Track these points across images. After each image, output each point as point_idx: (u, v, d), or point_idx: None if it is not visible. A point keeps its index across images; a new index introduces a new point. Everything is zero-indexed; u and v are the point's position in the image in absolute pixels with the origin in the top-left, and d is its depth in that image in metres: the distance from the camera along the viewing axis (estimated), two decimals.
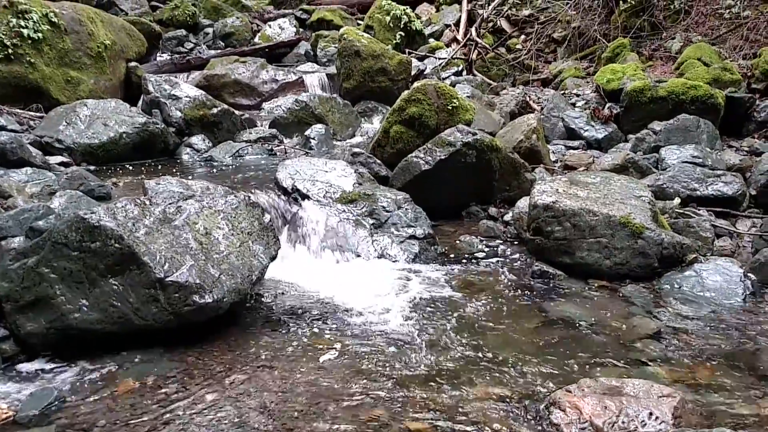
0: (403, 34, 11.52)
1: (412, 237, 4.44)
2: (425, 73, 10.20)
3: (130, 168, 6.03)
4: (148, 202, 3.26)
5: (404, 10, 11.75)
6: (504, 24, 11.94)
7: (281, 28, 12.88)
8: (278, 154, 6.80)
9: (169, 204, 3.32)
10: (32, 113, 6.96)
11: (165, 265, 2.99)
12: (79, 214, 3.01)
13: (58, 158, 5.72)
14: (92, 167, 5.82)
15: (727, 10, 9.19)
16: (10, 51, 6.99)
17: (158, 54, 11.12)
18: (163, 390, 2.68)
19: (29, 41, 7.13)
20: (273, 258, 3.58)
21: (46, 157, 5.55)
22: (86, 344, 2.96)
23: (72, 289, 2.95)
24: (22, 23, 7.08)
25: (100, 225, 2.96)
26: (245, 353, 3.01)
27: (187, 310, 2.99)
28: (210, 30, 13.16)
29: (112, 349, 2.97)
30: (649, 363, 2.94)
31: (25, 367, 2.88)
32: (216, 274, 3.13)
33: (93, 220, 2.97)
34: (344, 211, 4.57)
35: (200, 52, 11.74)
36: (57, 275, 2.95)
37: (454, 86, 8.01)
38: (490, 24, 11.90)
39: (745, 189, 5.05)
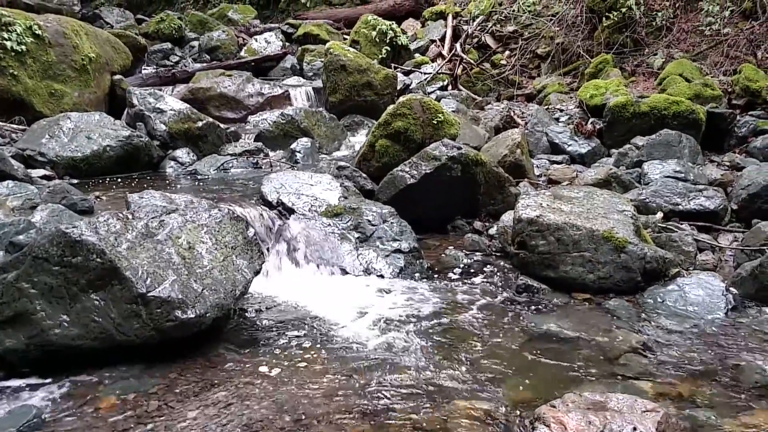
0: (389, 48, 11.58)
1: (398, 251, 4.43)
2: (411, 87, 10.26)
3: (114, 181, 5.99)
4: (130, 216, 3.24)
5: (390, 25, 11.82)
6: (488, 40, 12.03)
7: (267, 42, 12.90)
8: (263, 167, 6.79)
9: (152, 218, 3.30)
10: (14, 126, 6.90)
11: (147, 280, 2.96)
12: (60, 228, 2.98)
13: (41, 171, 5.67)
14: (75, 181, 5.77)
15: (708, 27, 9.34)
16: None
17: (143, 67, 11.11)
18: (145, 407, 2.64)
19: (12, 54, 7.08)
20: (257, 272, 3.56)
21: (28, 171, 5.50)
22: (66, 360, 2.91)
23: (52, 305, 2.91)
24: (6, 35, 7.03)
25: (81, 239, 2.93)
26: (228, 369, 2.98)
27: (169, 326, 2.96)
28: (196, 43, 13.17)
29: (93, 365, 2.92)
30: (633, 377, 2.95)
31: (3, 384, 2.82)
32: (199, 289, 3.11)
33: (74, 235, 2.94)
34: (329, 224, 4.56)
35: (186, 66, 11.72)
36: (37, 290, 2.90)
37: (439, 101, 8.06)
38: (475, 40, 12.00)
39: (726, 203, 5.11)
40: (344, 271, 4.28)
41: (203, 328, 3.08)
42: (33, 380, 2.84)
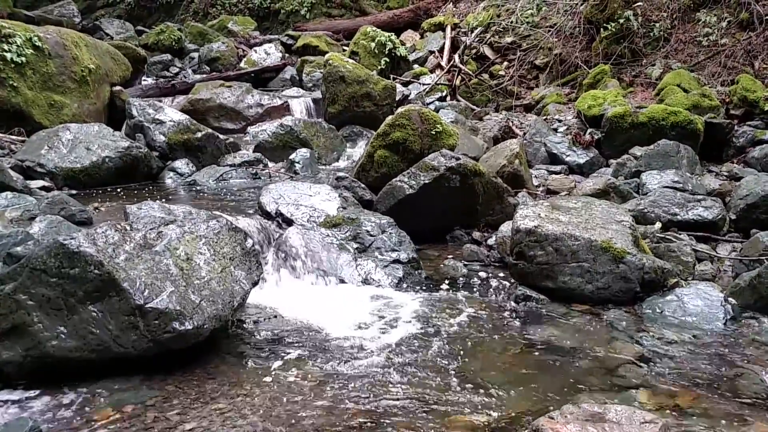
0: (387, 59, 11.62)
1: (396, 261, 4.43)
2: (410, 98, 10.29)
3: (113, 192, 5.99)
4: (128, 228, 3.24)
5: (389, 36, 11.87)
6: (487, 51, 12.08)
7: (267, 53, 12.95)
8: (262, 178, 6.79)
9: (150, 229, 3.30)
10: (14, 137, 6.90)
11: (145, 292, 2.96)
12: (58, 239, 2.98)
13: (40, 182, 5.66)
14: (74, 192, 5.77)
15: (706, 38, 9.39)
16: None
17: (143, 78, 11.12)
18: (142, 419, 2.63)
19: (12, 65, 7.09)
20: (255, 283, 3.56)
21: (27, 182, 5.49)
22: (64, 372, 2.90)
23: (50, 317, 2.90)
24: (6, 47, 7.05)
25: (79, 251, 2.93)
26: (225, 381, 2.97)
27: (167, 337, 2.95)
28: (195, 54, 13.22)
29: (90, 377, 2.91)
30: (632, 388, 2.94)
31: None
32: (197, 301, 3.10)
33: (72, 246, 2.94)
34: (328, 235, 4.56)
35: (185, 77, 11.76)
36: (35, 302, 2.90)
37: (438, 111, 8.09)
38: (474, 51, 12.04)
39: (724, 213, 5.11)
40: (343, 282, 4.28)
41: (201, 339, 3.07)
42: (30, 392, 2.83)
